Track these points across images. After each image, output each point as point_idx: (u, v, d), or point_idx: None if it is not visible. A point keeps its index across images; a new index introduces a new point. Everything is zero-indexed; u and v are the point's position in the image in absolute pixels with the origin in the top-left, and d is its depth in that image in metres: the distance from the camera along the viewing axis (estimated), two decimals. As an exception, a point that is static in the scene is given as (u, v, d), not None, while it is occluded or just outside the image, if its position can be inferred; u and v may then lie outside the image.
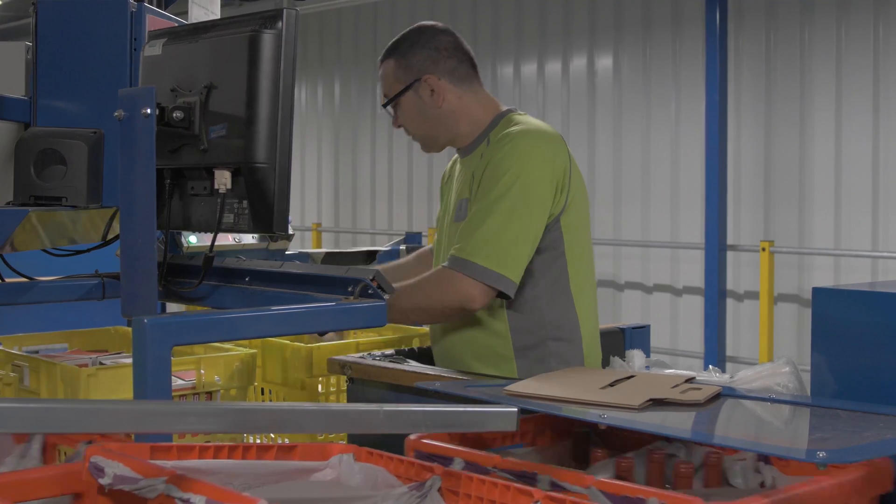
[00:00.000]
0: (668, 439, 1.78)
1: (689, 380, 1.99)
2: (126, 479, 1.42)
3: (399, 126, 2.59)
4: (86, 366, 2.64)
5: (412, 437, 1.67)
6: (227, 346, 2.86)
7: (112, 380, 2.52)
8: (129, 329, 3.14)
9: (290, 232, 2.41)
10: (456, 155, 2.67)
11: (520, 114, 2.55)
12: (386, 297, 1.89)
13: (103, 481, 1.42)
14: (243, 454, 1.58)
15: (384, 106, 2.59)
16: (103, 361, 2.84)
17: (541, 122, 2.52)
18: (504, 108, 2.57)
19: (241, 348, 2.82)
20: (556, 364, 2.42)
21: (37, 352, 3.07)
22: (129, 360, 2.73)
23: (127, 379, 2.26)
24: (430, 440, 1.66)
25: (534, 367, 2.41)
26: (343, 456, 1.60)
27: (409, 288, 2.37)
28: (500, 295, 2.35)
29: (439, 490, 1.52)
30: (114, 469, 1.42)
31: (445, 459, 1.57)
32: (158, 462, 1.48)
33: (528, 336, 2.44)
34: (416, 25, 2.58)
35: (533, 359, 2.43)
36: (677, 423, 1.78)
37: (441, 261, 2.49)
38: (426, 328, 2.91)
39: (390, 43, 2.57)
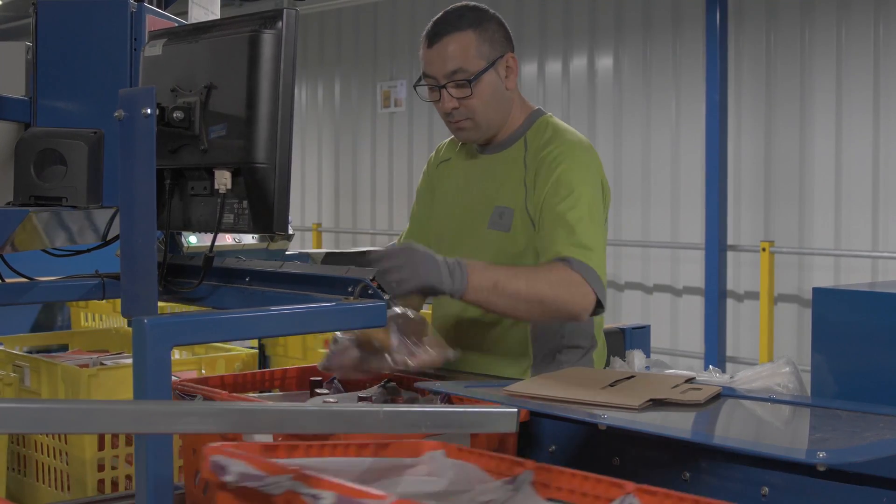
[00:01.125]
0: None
1: (690, 380, 1.99)
2: (251, 476, 1.44)
3: (455, 108, 2.35)
4: (87, 366, 2.64)
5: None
6: (227, 345, 2.86)
7: (112, 380, 2.52)
8: (130, 329, 3.14)
9: (290, 232, 2.41)
10: (446, 142, 2.59)
11: (551, 116, 2.47)
12: (386, 297, 1.87)
13: (227, 479, 1.44)
14: (344, 451, 1.61)
15: (464, 84, 2.32)
16: (104, 362, 2.84)
17: (570, 126, 2.45)
18: (534, 106, 2.48)
19: (242, 348, 2.82)
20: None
21: (38, 352, 3.08)
22: (130, 361, 2.73)
23: (127, 379, 2.26)
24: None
25: (549, 369, 2.36)
26: (434, 452, 1.62)
27: (525, 273, 2.18)
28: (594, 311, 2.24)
29: (531, 483, 1.52)
30: (237, 467, 1.44)
31: None
32: (274, 460, 1.51)
33: (546, 343, 2.41)
34: (464, 3, 2.40)
35: (550, 361, 2.40)
36: (677, 424, 1.78)
37: None
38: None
39: (448, 18, 2.36)
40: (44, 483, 2.54)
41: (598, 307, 2.21)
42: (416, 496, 1.54)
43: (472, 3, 2.40)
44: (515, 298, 2.14)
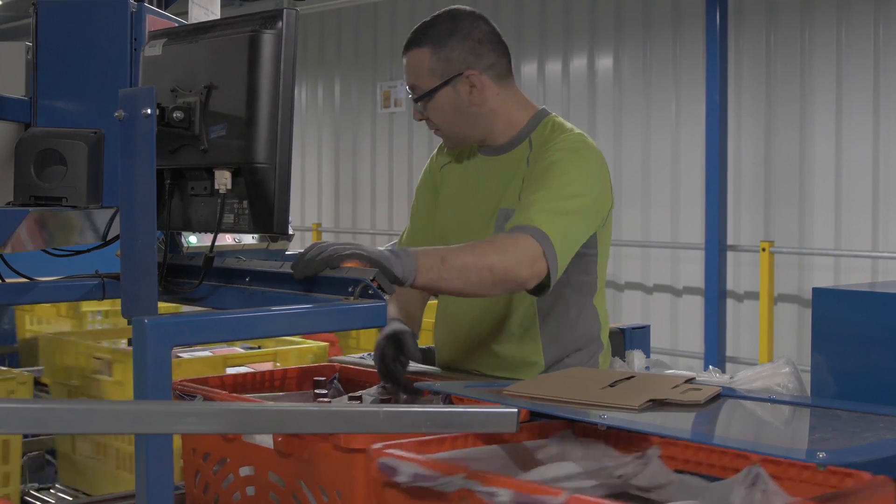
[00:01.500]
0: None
1: (689, 380, 1.99)
2: (424, 476, 1.48)
3: (422, 119, 2.39)
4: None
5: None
6: (297, 339, 2.90)
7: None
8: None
9: (291, 232, 2.40)
10: (449, 151, 2.56)
11: (556, 116, 2.45)
12: (386, 297, 1.87)
13: (400, 479, 1.49)
14: (474, 441, 1.66)
15: (416, 100, 2.35)
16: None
17: (576, 128, 2.43)
18: (539, 107, 2.46)
19: (313, 341, 2.85)
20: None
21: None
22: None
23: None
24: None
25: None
26: (564, 432, 1.66)
27: (473, 245, 2.12)
28: (536, 289, 2.17)
29: (659, 457, 1.62)
30: (409, 468, 1.49)
31: None
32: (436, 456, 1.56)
33: (558, 349, 2.39)
34: (448, 10, 2.36)
35: (556, 365, 2.39)
36: (677, 424, 1.78)
37: None
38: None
39: (419, 28, 2.35)
40: (125, 470, 2.56)
41: (545, 284, 2.14)
42: (557, 480, 1.56)
43: (454, 10, 2.36)
44: (465, 271, 2.05)
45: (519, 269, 2.09)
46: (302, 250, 1.93)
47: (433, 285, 2.07)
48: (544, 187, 2.22)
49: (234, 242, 5.48)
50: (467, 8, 2.38)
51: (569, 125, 2.41)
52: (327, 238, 10.32)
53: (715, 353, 7.08)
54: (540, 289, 2.17)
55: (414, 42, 2.34)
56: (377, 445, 1.57)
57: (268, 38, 1.83)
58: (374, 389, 2.12)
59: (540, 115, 2.44)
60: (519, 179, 2.35)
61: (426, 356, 2.63)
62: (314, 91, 10.57)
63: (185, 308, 2.27)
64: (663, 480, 1.67)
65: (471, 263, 2.05)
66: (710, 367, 2.37)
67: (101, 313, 3.62)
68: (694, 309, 7.52)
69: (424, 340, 2.92)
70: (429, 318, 2.60)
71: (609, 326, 2.52)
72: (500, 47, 2.38)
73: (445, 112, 2.34)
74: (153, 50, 2.04)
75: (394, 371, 2.15)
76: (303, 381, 2.32)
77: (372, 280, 1.85)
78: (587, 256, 2.35)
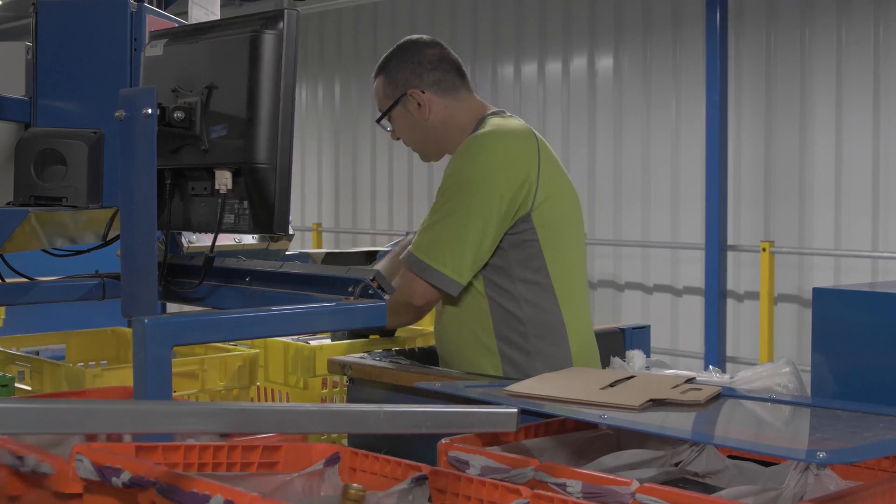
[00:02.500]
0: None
1: (690, 380, 1.99)
2: (494, 469, 1.52)
3: (397, 139, 2.67)
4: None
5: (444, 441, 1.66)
6: (228, 346, 2.86)
7: (116, 381, 2.52)
8: (129, 330, 3.15)
9: (291, 232, 2.41)
10: None
11: (501, 116, 2.56)
12: (386, 297, 1.88)
13: (471, 472, 1.51)
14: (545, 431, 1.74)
15: (377, 121, 2.65)
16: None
17: (516, 122, 2.54)
18: (490, 110, 2.59)
19: (243, 348, 2.82)
20: (542, 365, 2.41)
21: (37, 353, 3.07)
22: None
23: (130, 380, 2.26)
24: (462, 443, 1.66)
25: (519, 363, 2.44)
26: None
27: None
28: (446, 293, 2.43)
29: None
30: (479, 461, 1.54)
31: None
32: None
33: (509, 331, 2.46)
34: (403, 41, 2.63)
35: (517, 354, 2.45)
36: (677, 424, 1.78)
37: None
38: (423, 328, 2.91)
39: (380, 60, 2.63)
40: None
41: (440, 290, 2.41)
42: (619, 469, 1.62)
43: (406, 41, 2.62)
44: None
45: (399, 298, 2.39)
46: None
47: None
48: (436, 209, 2.45)
49: (234, 243, 5.47)
50: (419, 36, 2.63)
51: (495, 120, 2.52)
52: (327, 238, 10.32)
53: (715, 353, 7.08)
54: (444, 292, 2.42)
55: (375, 73, 2.63)
56: (445, 440, 1.60)
57: (269, 38, 1.83)
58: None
59: (483, 118, 2.56)
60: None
61: (428, 357, 2.63)
62: (314, 91, 10.57)
63: (186, 308, 2.27)
64: (718, 466, 1.73)
65: None
66: (710, 367, 2.37)
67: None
68: (694, 309, 7.52)
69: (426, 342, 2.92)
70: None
71: (588, 318, 2.58)
72: (445, 65, 2.59)
73: (404, 129, 2.62)
74: (154, 50, 2.04)
75: None
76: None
77: (372, 280, 1.85)
78: (525, 245, 2.44)
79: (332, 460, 1.61)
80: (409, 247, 2.46)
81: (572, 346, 2.48)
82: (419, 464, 1.55)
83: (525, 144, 2.46)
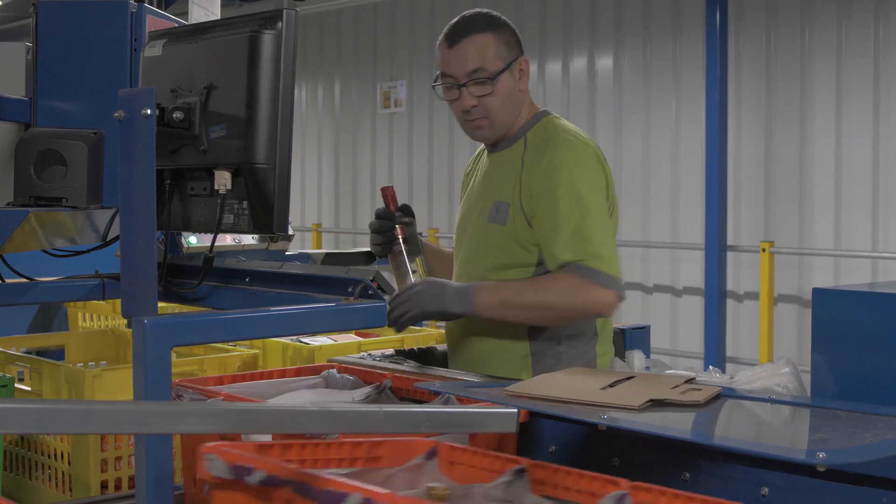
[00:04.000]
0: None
1: (690, 380, 1.99)
2: None
3: (473, 106, 2.43)
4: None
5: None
6: (228, 346, 2.86)
7: (116, 381, 2.52)
8: (128, 330, 3.14)
9: (290, 232, 2.41)
10: (480, 149, 2.65)
11: (556, 117, 2.53)
12: (386, 297, 1.88)
13: None
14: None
15: (487, 80, 2.41)
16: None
17: (576, 127, 2.51)
18: (540, 108, 2.55)
19: (242, 349, 2.82)
20: (567, 363, 2.41)
21: (37, 353, 3.07)
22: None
23: (130, 381, 2.26)
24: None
25: (550, 366, 2.39)
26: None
27: (530, 286, 2.35)
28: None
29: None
30: None
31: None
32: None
33: (544, 337, 2.43)
34: (480, 10, 2.52)
35: (547, 359, 2.42)
36: (677, 424, 1.78)
37: (466, 257, 2.50)
38: (427, 329, 2.90)
39: (469, 19, 2.48)
40: (45, 484, 2.54)
41: (620, 300, 2.36)
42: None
43: (486, 10, 2.52)
44: (526, 310, 2.34)
45: (590, 306, 2.35)
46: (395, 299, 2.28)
47: (493, 319, 2.37)
48: (572, 208, 2.35)
49: (233, 243, 5.48)
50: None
51: (568, 127, 2.49)
52: (327, 238, 10.32)
53: (715, 354, 7.08)
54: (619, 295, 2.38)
55: (473, 28, 2.45)
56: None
57: (268, 38, 1.83)
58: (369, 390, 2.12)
59: (540, 115, 2.52)
60: (513, 177, 2.43)
61: (428, 357, 2.63)
62: (314, 91, 10.58)
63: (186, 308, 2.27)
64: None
65: (531, 305, 2.33)
66: (710, 367, 2.37)
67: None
68: (694, 309, 7.52)
69: (427, 341, 2.92)
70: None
71: (611, 321, 2.56)
72: None
73: (503, 96, 2.44)
74: (153, 50, 2.04)
75: (387, 212, 2.46)
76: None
77: (372, 280, 1.85)
78: None
79: (431, 454, 1.62)
80: (571, 252, 2.33)
81: (598, 349, 2.49)
82: (516, 457, 1.56)
83: (601, 154, 2.48)
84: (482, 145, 2.64)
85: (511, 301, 2.32)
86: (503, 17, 2.53)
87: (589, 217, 2.35)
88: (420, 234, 2.60)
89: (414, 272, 2.40)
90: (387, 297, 1.91)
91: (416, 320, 2.32)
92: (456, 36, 2.46)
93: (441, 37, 2.50)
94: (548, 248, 2.37)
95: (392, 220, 2.45)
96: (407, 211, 2.51)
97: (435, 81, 2.49)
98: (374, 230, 2.47)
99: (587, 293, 2.31)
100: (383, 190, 2.52)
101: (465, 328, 2.49)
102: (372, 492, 1.29)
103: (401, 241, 2.44)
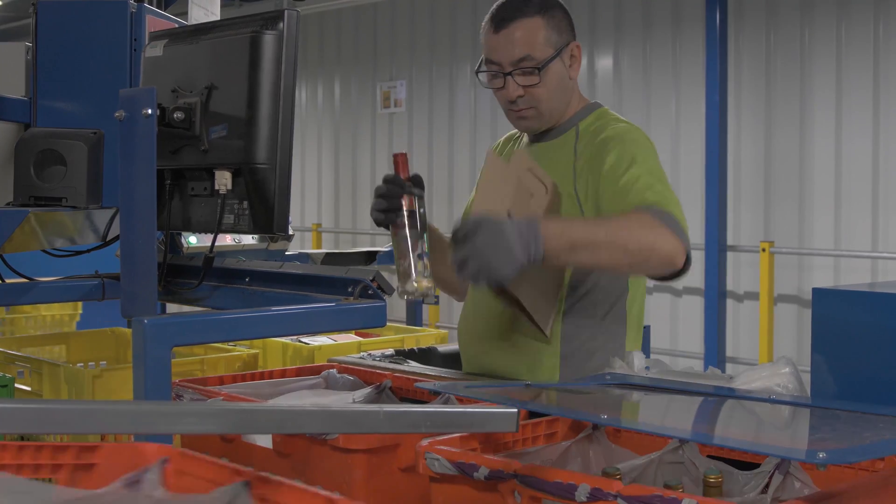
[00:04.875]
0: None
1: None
2: None
3: (520, 96, 2.28)
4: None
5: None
6: (228, 346, 2.87)
7: (116, 381, 2.52)
8: (128, 330, 3.15)
9: (290, 232, 2.40)
10: (503, 138, 2.52)
11: (608, 109, 2.43)
12: (387, 297, 1.87)
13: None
14: None
15: (535, 70, 2.25)
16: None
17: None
18: (590, 99, 2.45)
19: (242, 349, 2.82)
20: (592, 370, 2.28)
21: (37, 353, 3.07)
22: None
23: (130, 381, 2.26)
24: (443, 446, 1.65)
25: (575, 373, 2.29)
26: None
27: (602, 222, 2.10)
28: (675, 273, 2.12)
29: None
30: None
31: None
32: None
33: (575, 346, 2.31)
34: None
35: (574, 365, 2.31)
36: (678, 424, 1.78)
37: None
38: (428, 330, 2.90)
39: (515, 2, 2.29)
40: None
41: (687, 261, 2.10)
42: None
43: None
44: (597, 250, 2.00)
45: (659, 248, 2.04)
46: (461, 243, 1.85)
47: (559, 266, 2.11)
48: (639, 174, 2.15)
49: (233, 243, 5.48)
50: None
51: (619, 117, 2.38)
52: (327, 238, 10.32)
53: (715, 354, 7.08)
54: (684, 267, 2.12)
55: (521, 12, 2.27)
56: (424, 442, 1.60)
57: (268, 38, 1.84)
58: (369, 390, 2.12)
59: (592, 105, 2.41)
60: (564, 167, 2.29)
61: (428, 357, 2.63)
62: (314, 91, 10.57)
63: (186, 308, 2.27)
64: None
65: (602, 243, 2.00)
66: (710, 367, 2.37)
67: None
68: (694, 309, 7.52)
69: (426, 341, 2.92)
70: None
71: (641, 332, 2.43)
72: None
73: (552, 84, 2.29)
74: (154, 50, 2.04)
75: (396, 178, 2.12)
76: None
77: (372, 280, 1.85)
78: None
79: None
80: (645, 198, 2.11)
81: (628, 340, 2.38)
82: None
83: None
84: (502, 138, 2.53)
85: (581, 242, 1.98)
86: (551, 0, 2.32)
87: (656, 179, 2.16)
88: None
89: (419, 256, 2.04)
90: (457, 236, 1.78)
91: (486, 284, 1.92)
92: (503, 20, 2.26)
93: (486, 18, 2.30)
94: (617, 205, 2.15)
95: (401, 188, 2.11)
96: (418, 182, 2.16)
97: (479, 67, 2.31)
98: (380, 194, 2.12)
99: (661, 234, 2.04)
100: (395, 156, 2.18)
101: (483, 334, 2.36)
102: (600, 480, 1.34)
103: (405, 213, 2.11)
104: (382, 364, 2.40)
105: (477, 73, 2.32)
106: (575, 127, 2.35)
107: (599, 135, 2.29)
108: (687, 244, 2.09)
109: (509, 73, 2.25)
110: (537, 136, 2.40)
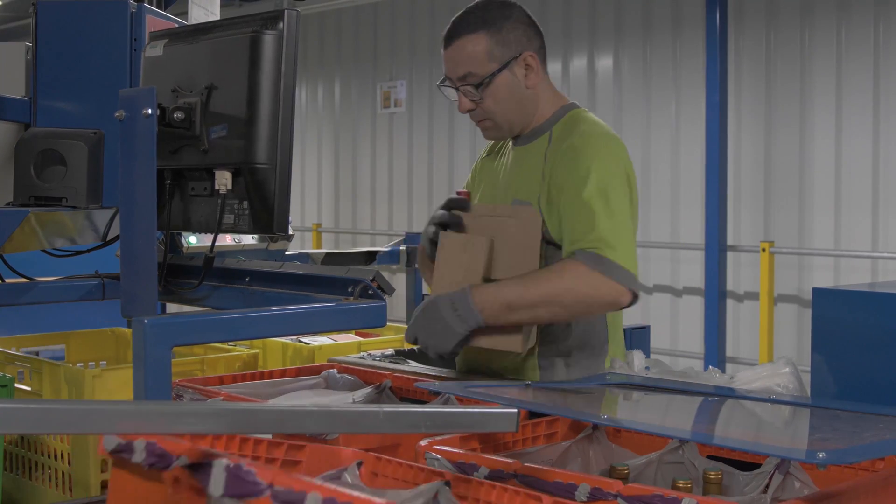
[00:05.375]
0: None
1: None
2: None
3: (470, 109, 2.34)
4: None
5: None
6: (228, 346, 2.87)
7: (116, 381, 2.52)
8: (128, 330, 3.15)
9: (290, 232, 2.40)
10: (490, 144, 2.53)
11: (583, 110, 2.40)
12: (386, 297, 1.88)
13: None
14: None
15: (476, 86, 2.30)
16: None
17: (602, 122, 2.39)
18: (568, 100, 2.43)
19: (242, 348, 2.82)
20: (576, 375, 2.32)
21: (37, 353, 3.07)
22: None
23: (130, 381, 2.26)
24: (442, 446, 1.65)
25: (557, 375, 2.32)
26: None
27: (533, 279, 2.17)
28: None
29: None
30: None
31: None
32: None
33: (554, 346, 2.33)
34: (478, 2, 2.35)
35: (558, 367, 2.33)
36: (678, 424, 1.78)
37: None
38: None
39: (465, 17, 2.33)
40: (45, 484, 2.54)
41: (633, 296, 2.17)
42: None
43: (487, 2, 2.36)
44: (534, 308, 2.15)
45: (599, 297, 2.15)
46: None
47: (501, 325, 2.18)
48: (590, 196, 2.21)
49: (233, 243, 5.47)
50: None
51: (593, 119, 2.37)
52: (327, 238, 10.32)
53: (715, 354, 7.08)
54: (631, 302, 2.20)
55: (465, 29, 2.31)
56: (424, 442, 1.60)
57: (269, 38, 1.84)
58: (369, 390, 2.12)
59: (567, 108, 2.40)
60: (535, 173, 2.32)
61: (428, 357, 2.63)
62: (314, 91, 10.57)
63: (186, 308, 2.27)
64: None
65: (537, 301, 2.14)
66: (710, 367, 2.37)
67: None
68: (694, 309, 7.52)
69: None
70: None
71: (621, 333, 2.44)
72: (541, 33, 2.38)
73: (502, 98, 2.31)
74: (154, 50, 2.04)
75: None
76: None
77: (371, 280, 1.85)
78: None
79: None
80: (584, 242, 2.18)
81: (607, 364, 2.37)
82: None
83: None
84: None
85: (517, 303, 2.13)
86: (513, 7, 2.34)
87: (609, 205, 2.19)
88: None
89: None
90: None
91: (439, 357, 2.19)
92: (450, 37, 2.34)
93: (442, 34, 2.38)
94: (565, 234, 2.23)
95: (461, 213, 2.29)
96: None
97: (441, 81, 2.37)
98: (438, 222, 2.31)
99: (595, 284, 2.13)
100: (460, 193, 2.36)
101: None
102: (600, 479, 1.34)
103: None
104: (382, 364, 2.40)
105: (438, 86, 2.39)
106: (549, 131, 2.36)
107: (565, 141, 2.30)
108: (628, 282, 2.15)
109: (457, 88, 2.32)
110: (515, 140, 2.43)
